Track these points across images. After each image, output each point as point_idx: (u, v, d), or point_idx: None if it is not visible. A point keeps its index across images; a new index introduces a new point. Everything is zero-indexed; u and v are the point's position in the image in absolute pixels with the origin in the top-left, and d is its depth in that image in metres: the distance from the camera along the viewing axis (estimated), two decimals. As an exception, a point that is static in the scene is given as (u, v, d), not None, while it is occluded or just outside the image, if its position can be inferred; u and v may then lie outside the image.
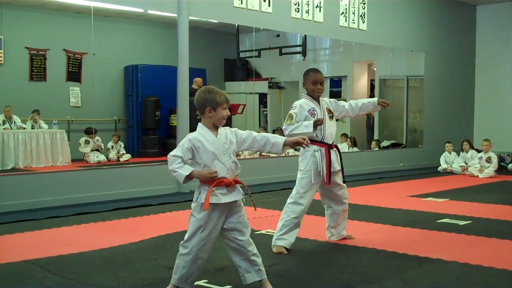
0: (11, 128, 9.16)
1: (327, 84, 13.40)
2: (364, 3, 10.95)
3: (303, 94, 5.00)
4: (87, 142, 9.82)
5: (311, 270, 4.22)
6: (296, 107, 4.86)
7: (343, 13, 10.58)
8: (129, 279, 3.96)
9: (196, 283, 3.78)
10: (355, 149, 11.93)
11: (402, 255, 4.64)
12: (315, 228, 5.52)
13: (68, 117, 10.00)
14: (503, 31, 13.56)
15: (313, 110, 4.83)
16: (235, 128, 3.64)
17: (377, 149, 12.17)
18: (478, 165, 11.04)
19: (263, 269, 3.59)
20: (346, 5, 10.61)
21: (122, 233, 5.60)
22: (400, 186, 9.62)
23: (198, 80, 10.95)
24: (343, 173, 4.97)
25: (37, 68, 9.89)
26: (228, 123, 13.94)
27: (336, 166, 4.85)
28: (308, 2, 9.91)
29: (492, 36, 13.72)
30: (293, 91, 12.80)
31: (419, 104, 13.04)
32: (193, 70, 8.73)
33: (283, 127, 4.86)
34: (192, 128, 8.45)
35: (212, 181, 3.39)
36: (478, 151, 11.46)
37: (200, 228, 3.41)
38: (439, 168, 11.80)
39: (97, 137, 9.89)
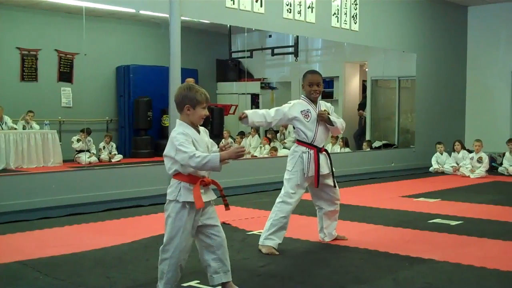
0: (2, 128, 9.12)
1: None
2: (356, 4, 10.97)
3: (301, 96, 5.00)
4: (78, 140, 9.80)
5: (303, 270, 4.22)
6: (290, 103, 4.92)
7: (335, 13, 10.60)
8: (121, 279, 3.96)
9: (188, 283, 3.78)
10: (347, 149, 11.95)
11: (394, 255, 4.66)
12: (307, 229, 5.53)
13: (60, 118, 9.97)
14: (494, 32, 13.61)
15: (307, 112, 4.85)
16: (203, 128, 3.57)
17: (368, 149, 12.20)
18: (470, 166, 11.08)
19: (230, 271, 3.53)
20: (338, 5, 10.62)
21: (114, 233, 5.58)
22: (392, 187, 9.64)
23: (190, 80, 10.85)
24: (333, 176, 4.97)
25: (28, 68, 9.85)
26: (220, 123, 13.88)
27: (324, 169, 4.86)
28: (300, 2, 9.92)
29: (483, 37, 13.77)
30: (285, 92, 12.82)
31: (411, 104, 13.07)
32: (185, 70, 8.71)
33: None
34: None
35: (195, 179, 3.34)
36: (470, 151, 11.51)
37: (180, 229, 3.33)
38: (431, 169, 11.84)
39: (89, 138, 9.86)
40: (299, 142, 4.88)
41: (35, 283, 3.89)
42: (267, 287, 3.63)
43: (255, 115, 4.80)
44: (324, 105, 5.00)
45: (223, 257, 3.48)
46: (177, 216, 3.34)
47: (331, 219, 5.09)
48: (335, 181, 4.98)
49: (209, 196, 3.44)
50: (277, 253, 4.67)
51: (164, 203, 3.41)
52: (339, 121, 4.96)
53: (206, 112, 3.45)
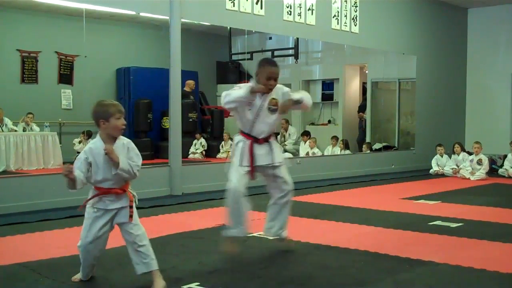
0: (3, 130, 9.11)
1: (319, 86, 13.43)
2: (356, 6, 10.99)
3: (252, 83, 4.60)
4: (80, 142, 9.81)
5: (303, 272, 4.22)
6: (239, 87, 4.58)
7: (335, 15, 10.61)
8: (120, 282, 3.96)
9: (188, 285, 3.78)
10: (347, 151, 11.95)
11: (394, 257, 4.65)
12: (306, 231, 5.52)
13: (60, 120, 9.96)
14: (494, 34, 13.63)
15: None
16: (129, 141, 3.74)
17: (368, 151, 12.20)
18: (470, 168, 11.08)
19: (153, 261, 3.74)
20: (338, 7, 10.64)
21: (114, 236, 5.57)
22: (392, 189, 9.64)
23: (190, 82, 10.94)
24: (278, 167, 4.65)
25: (29, 70, 9.84)
26: (221, 125, 13.83)
27: (264, 161, 4.58)
28: (300, 4, 9.93)
29: (483, 39, 13.79)
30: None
31: (411, 106, 13.09)
32: (185, 72, 8.72)
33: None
34: (184, 131, 8.52)
35: (98, 188, 3.73)
36: (470, 153, 11.51)
37: (86, 226, 3.84)
38: (431, 171, 11.84)
39: (90, 140, 9.85)
40: (240, 131, 4.69)
41: (34, 286, 3.89)
42: (267, 289, 3.63)
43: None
44: (278, 92, 4.63)
45: (144, 249, 3.73)
46: (87, 215, 3.84)
47: (282, 211, 4.76)
48: (281, 172, 4.65)
49: (121, 203, 3.75)
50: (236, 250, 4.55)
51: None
52: (299, 96, 4.61)
53: (122, 121, 3.66)
